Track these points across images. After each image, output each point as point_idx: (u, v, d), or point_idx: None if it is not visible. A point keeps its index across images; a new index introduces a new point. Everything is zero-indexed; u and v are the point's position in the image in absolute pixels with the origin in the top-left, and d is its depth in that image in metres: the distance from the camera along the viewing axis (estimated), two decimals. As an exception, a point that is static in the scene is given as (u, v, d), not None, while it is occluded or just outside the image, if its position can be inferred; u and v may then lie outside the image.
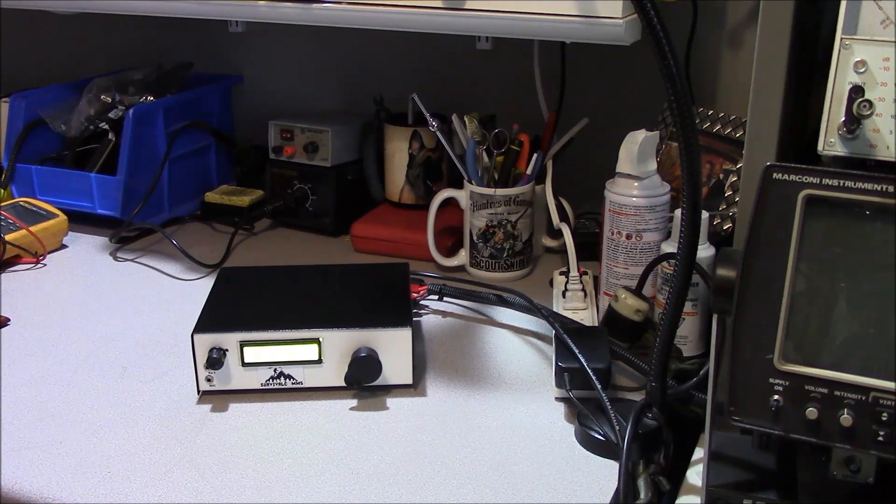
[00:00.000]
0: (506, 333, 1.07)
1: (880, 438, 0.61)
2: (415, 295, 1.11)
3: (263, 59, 1.58)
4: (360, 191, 1.38)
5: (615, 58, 1.19)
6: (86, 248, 1.32)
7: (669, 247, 0.99)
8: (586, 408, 0.85)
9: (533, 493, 0.78)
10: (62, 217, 1.31)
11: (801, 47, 0.74)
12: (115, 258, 1.28)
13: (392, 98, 1.36)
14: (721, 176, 1.13)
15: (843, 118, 0.64)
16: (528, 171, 1.19)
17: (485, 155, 1.20)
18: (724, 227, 1.07)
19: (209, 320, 0.93)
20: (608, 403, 0.84)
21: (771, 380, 0.63)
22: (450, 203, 1.21)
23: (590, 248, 1.16)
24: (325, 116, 1.40)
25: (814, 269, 0.62)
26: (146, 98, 1.40)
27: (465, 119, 1.20)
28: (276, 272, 1.06)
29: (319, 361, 0.92)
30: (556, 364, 0.89)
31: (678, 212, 0.83)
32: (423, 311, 1.11)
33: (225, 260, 1.27)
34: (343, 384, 0.91)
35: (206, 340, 0.90)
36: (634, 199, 1.01)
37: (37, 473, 0.79)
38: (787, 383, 0.63)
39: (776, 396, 0.63)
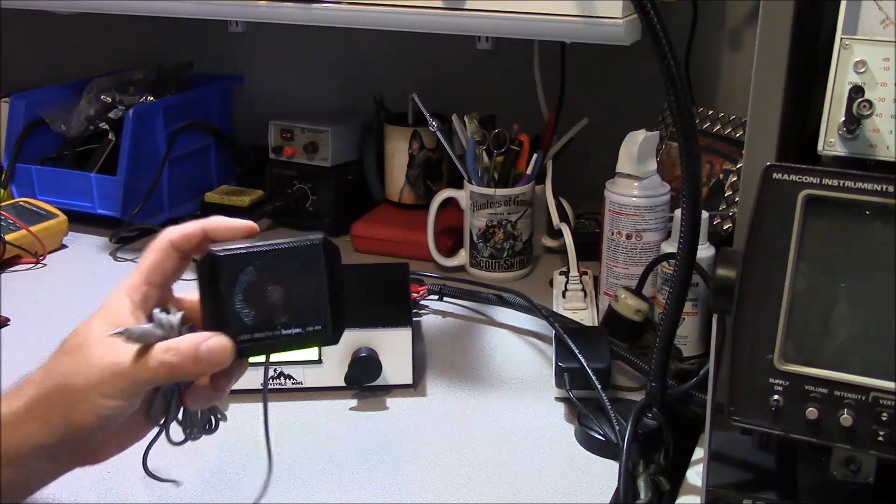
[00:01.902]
0: (506, 333, 1.07)
1: (880, 438, 0.61)
2: (415, 295, 1.11)
3: (263, 59, 1.58)
4: (360, 191, 1.38)
5: (615, 58, 1.19)
6: (86, 248, 1.32)
7: (669, 247, 0.99)
8: (586, 408, 0.85)
9: (533, 493, 0.78)
10: (62, 217, 1.31)
11: (801, 47, 0.74)
12: (115, 258, 1.28)
13: (392, 98, 1.36)
14: (721, 176, 1.13)
15: (843, 118, 0.64)
16: (528, 171, 1.19)
17: (485, 155, 1.20)
18: (724, 227, 1.07)
19: (209, 320, 0.93)
20: (608, 403, 0.84)
21: (771, 380, 0.63)
22: (450, 203, 1.21)
23: (590, 248, 1.16)
24: (325, 116, 1.40)
25: (814, 269, 0.62)
26: (146, 98, 1.40)
27: (465, 119, 1.20)
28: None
29: (319, 361, 0.92)
30: (556, 364, 0.89)
31: (678, 212, 0.83)
32: (423, 311, 1.11)
33: (225, 260, 1.27)
34: (343, 384, 0.91)
35: (206, 340, 0.90)
36: (634, 199, 1.01)
37: (37, 473, 0.79)
38: (787, 383, 0.63)
39: (776, 396, 0.63)
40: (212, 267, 0.57)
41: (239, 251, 0.58)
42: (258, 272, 0.58)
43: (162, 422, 0.62)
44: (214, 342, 0.57)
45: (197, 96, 1.47)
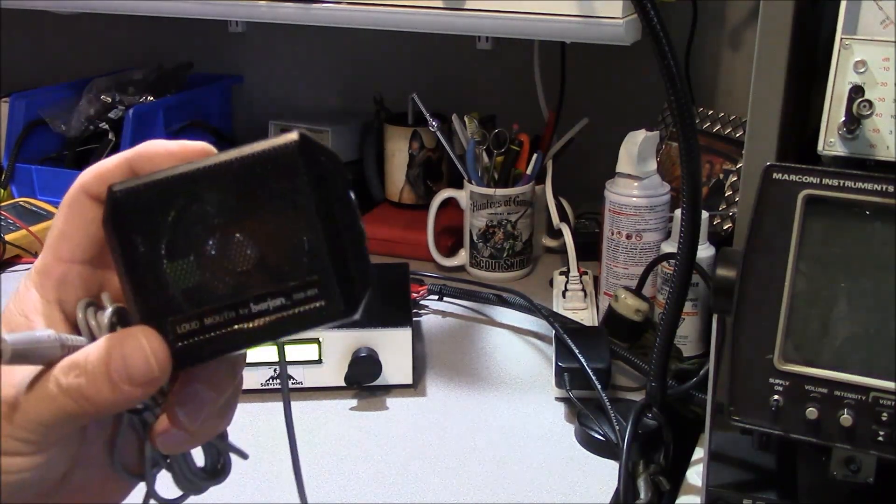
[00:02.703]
0: (506, 333, 1.07)
1: (880, 438, 0.61)
2: (415, 295, 1.11)
3: (263, 59, 1.58)
4: (360, 191, 1.38)
5: (615, 58, 1.19)
6: (86, 248, 1.32)
7: (669, 247, 0.99)
8: (586, 408, 0.85)
9: (533, 493, 0.78)
10: (62, 217, 1.31)
11: (801, 47, 0.74)
12: (115, 258, 1.28)
13: (392, 98, 1.36)
14: (721, 176, 1.13)
15: (843, 118, 0.64)
16: (528, 171, 1.19)
17: (485, 155, 1.20)
18: (724, 227, 1.07)
19: (209, 320, 0.92)
20: (608, 403, 0.84)
21: (771, 380, 0.63)
22: (450, 203, 1.21)
23: (590, 248, 1.16)
24: (325, 116, 1.39)
25: (814, 269, 0.62)
26: (146, 98, 1.40)
27: (465, 119, 1.20)
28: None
29: (319, 361, 0.92)
30: (556, 364, 0.89)
31: (678, 212, 0.83)
32: (423, 311, 1.11)
33: (225, 260, 1.27)
34: (343, 384, 0.91)
35: (206, 340, 0.90)
36: (634, 199, 1.01)
37: (37, 473, 0.79)
38: (787, 383, 0.63)
39: (776, 396, 0.63)
40: (114, 213, 0.35)
41: (156, 178, 0.35)
42: (194, 211, 0.35)
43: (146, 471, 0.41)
44: (131, 345, 0.35)
45: (197, 96, 1.47)
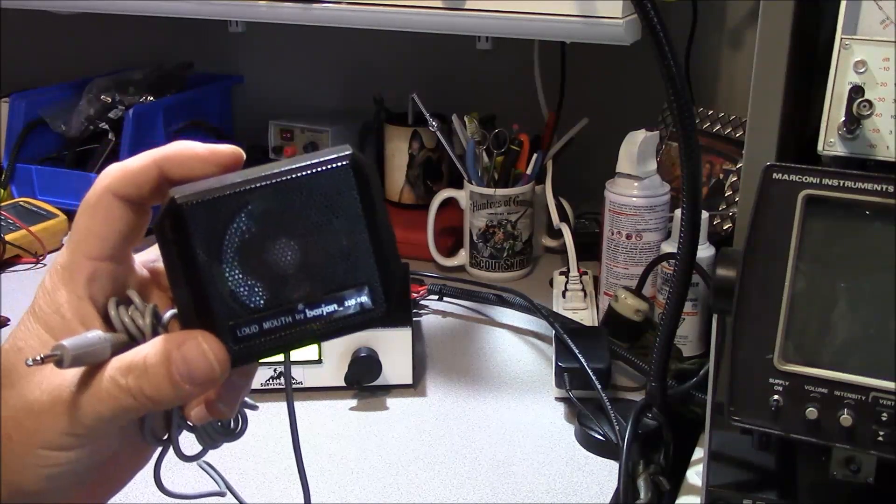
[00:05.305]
0: (506, 333, 1.07)
1: (880, 438, 0.61)
2: (415, 295, 1.11)
3: (263, 59, 1.58)
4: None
5: (615, 58, 1.19)
6: (86, 248, 1.32)
7: (669, 247, 0.99)
8: (586, 408, 0.85)
9: (533, 493, 0.78)
10: (62, 217, 1.31)
11: (801, 47, 0.74)
12: (115, 258, 1.28)
13: (392, 98, 1.36)
14: (721, 176, 1.13)
15: (843, 118, 0.64)
16: (528, 171, 1.19)
17: (485, 155, 1.20)
18: (724, 227, 1.07)
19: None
20: (608, 403, 0.84)
21: (771, 380, 0.63)
22: (450, 203, 1.21)
23: (590, 248, 1.16)
24: (325, 116, 1.39)
25: (814, 269, 0.62)
26: (146, 98, 1.40)
27: (465, 119, 1.20)
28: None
29: (319, 361, 0.92)
30: (556, 364, 0.90)
31: (678, 212, 0.83)
32: (423, 311, 1.11)
33: (225, 260, 1.27)
34: (343, 384, 0.91)
35: (206, 340, 0.90)
36: (634, 199, 1.01)
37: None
38: (787, 383, 0.63)
39: (776, 396, 0.63)
40: (177, 223, 0.37)
41: (220, 192, 0.37)
42: (255, 221, 0.38)
43: (165, 437, 0.44)
44: (193, 349, 0.37)
45: (197, 96, 1.47)
